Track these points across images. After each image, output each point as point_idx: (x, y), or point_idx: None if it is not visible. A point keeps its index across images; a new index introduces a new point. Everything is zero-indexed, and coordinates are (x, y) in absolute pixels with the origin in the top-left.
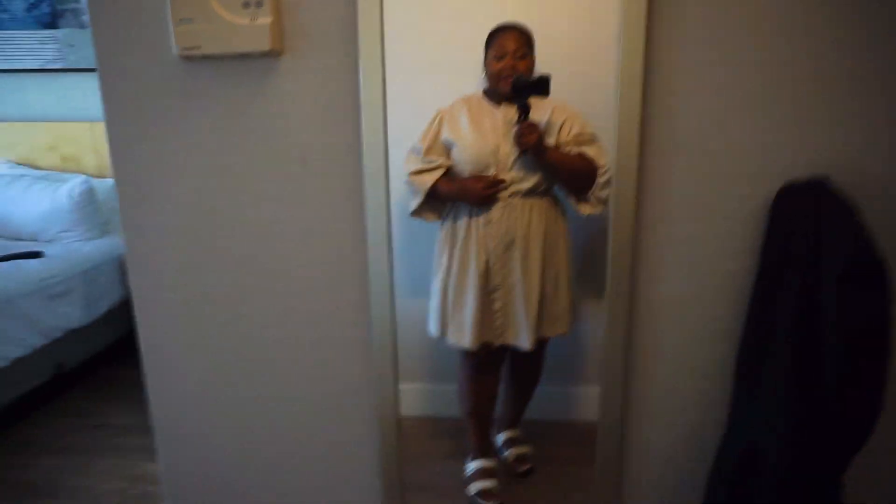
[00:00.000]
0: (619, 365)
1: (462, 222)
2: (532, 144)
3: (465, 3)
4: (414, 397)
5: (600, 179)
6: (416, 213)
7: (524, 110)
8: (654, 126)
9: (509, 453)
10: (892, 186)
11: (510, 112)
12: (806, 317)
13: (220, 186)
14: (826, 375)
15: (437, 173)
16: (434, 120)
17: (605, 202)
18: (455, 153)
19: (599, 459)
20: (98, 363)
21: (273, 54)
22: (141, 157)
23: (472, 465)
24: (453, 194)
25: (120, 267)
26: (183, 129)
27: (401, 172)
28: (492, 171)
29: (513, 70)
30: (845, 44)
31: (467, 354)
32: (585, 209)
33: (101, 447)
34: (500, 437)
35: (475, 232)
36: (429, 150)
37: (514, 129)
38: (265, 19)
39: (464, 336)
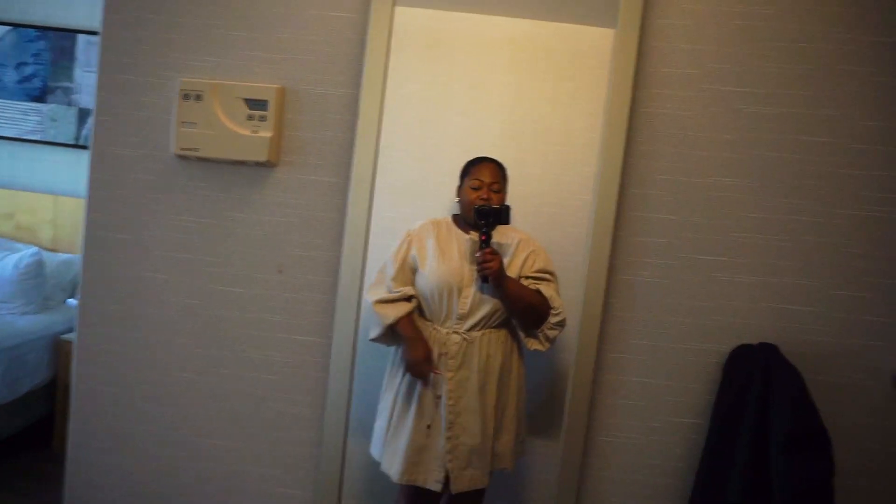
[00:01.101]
0: None
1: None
2: (493, 271)
3: (447, 134)
4: None
5: (552, 319)
6: (375, 339)
7: (486, 236)
8: (620, 280)
9: None
10: (835, 356)
11: (476, 235)
12: (755, 473)
13: (192, 283)
14: None
15: (401, 310)
16: (403, 241)
17: (551, 341)
18: (419, 275)
19: None
20: (5, 449)
21: (268, 165)
22: (116, 242)
23: None
24: (403, 341)
25: (51, 346)
26: (165, 223)
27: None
28: (454, 294)
29: (487, 201)
30: (801, 221)
31: (403, 488)
32: (533, 344)
33: None
34: None
35: (433, 362)
36: (397, 274)
37: (477, 254)
38: (266, 133)
39: (395, 468)
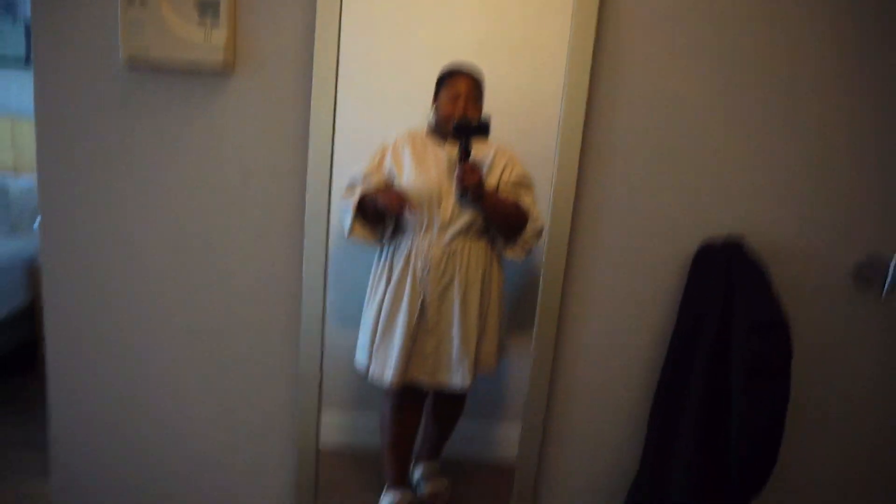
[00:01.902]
0: (541, 403)
1: (400, 259)
2: (472, 186)
3: (420, 39)
4: (334, 426)
5: (530, 229)
6: (352, 232)
7: (465, 152)
8: (589, 182)
9: (425, 487)
10: (799, 248)
11: (454, 151)
12: (717, 368)
13: (156, 199)
14: (733, 424)
15: (365, 185)
16: (377, 153)
17: (529, 251)
18: (396, 186)
19: (516, 491)
20: None
21: (224, 71)
22: (71, 161)
23: (387, 499)
24: (373, 199)
25: (25, 271)
26: (122, 139)
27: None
28: (432, 207)
29: (464, 113)
30: (766, 118)
31: (390, 389)
32: (510, 254)
33: None
34: (418, 471)
35: (412, 271)
36: (368, 179)
37: (456, 170)
38: (220, 36)
39: (387, 373)
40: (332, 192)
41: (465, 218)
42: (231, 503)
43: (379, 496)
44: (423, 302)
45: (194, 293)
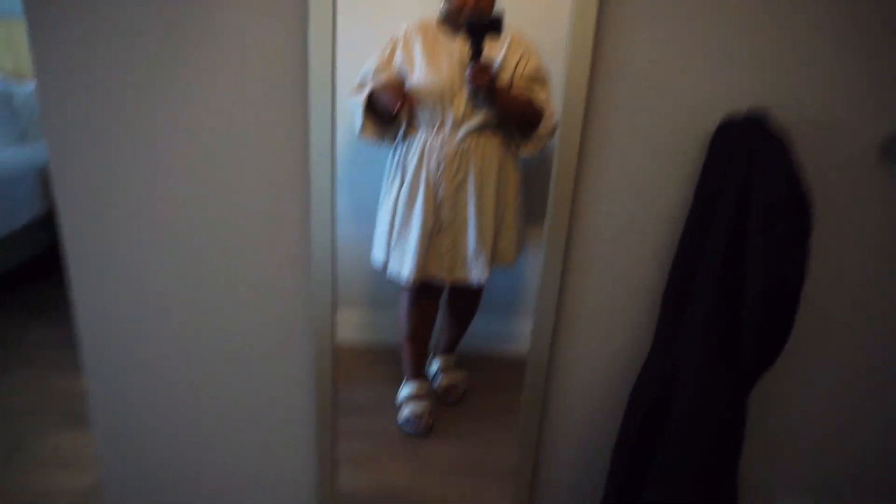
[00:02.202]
0: (553, 290)
1: (414, 157)
2: (483, 86)
3: None
4: (354, 324)
5: (544, 125)
6: (363, 131)
7: (477, 50)
8: (604, 58)
9: (442, 379)
10: (825, 122)
11: (466, 46)
12: (734, 246)
13: (154, 89)
14: (747, 299)
15: (375, 81)
16: (387, 47)
17: (543, 147)
18: (407, 83)
19: (529, 378)
20: (16, 279)
21: None
22: (65, 56)
23: (406, 390)
24: (379, 97)
25: (40, 179)
26: (114, 35)
27: (347, 92)
28: (445, 104)
29: (476, 7)
30: None
31: (408, 286)
32: (524, 150)
33: (17, 361)
34: (435, 364)
35: (426, 169)
36: (378, 73)
37: (467, 69)
38: None
39: (405, 270)
40: (336, 86)
41: (478, 115)
42: (252, 397)
43: (397, 388)
44: (437, 199)
45: (202, 185)
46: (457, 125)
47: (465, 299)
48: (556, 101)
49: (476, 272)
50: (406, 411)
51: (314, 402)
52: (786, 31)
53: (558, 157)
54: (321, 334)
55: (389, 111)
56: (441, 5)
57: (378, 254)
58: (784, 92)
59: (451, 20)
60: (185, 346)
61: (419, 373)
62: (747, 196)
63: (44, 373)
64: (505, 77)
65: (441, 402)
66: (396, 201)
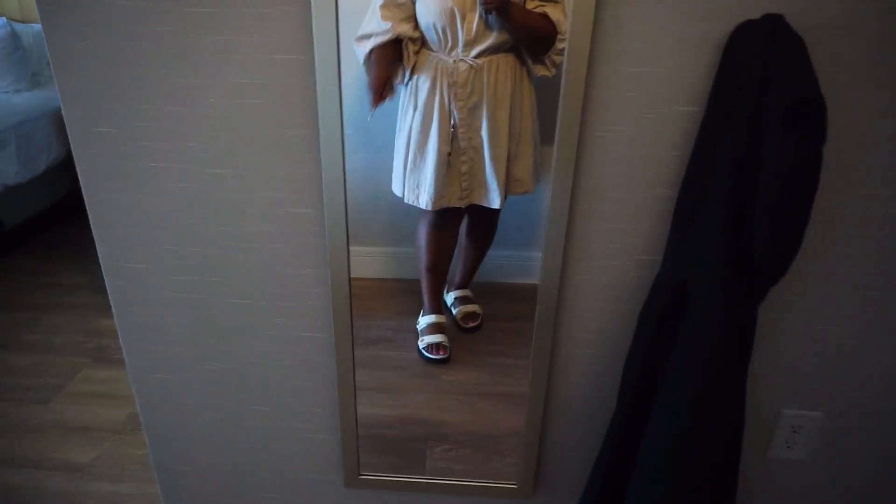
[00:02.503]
0: (563, 209)
1: (426, 80)
2: (496, 4)
3: None
4: (373, 260)
5: (559, 44)
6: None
7: None
8: None
9: (459, 310)
10: (844, 24)
11: None
12: (747, 155)
13: (163, 32)
14: (757, 208)
15: (375, 41)
16: None
17: (558, 66)
18: (418, 4)
19: (540, 302)
20: (41, 223)
21: None
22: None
23: (424, 321)
24: (369, 67)
25: (56, 123)
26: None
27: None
28: (456, 20)
29: None
30: None
31: (427, 213)
32: (540, 70)
33: (51, 304)
34: (451, 296)
35: (439, 93)
36: (387, 1)
37: None
38: None
39: (424, 197)
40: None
41: (491, 34)
42: (272, 331)
43: (415, 320)
44: (452, 123)
45: (211, 125)
46: (469, 45)
47: (483, 226)
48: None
49: (494, 196)
50: (426, 340)
51: (331, 331)
52: None
53: (566, 73)
54: (337, 265)
55: (370, 85)
56: None
57: (396, 183)
58: None
59: None
60: (205, 283)
61: (438, 303)
62: (761, 102)
63: (78, 314)
64: None
65: (459, 330)
66: (411, 128)
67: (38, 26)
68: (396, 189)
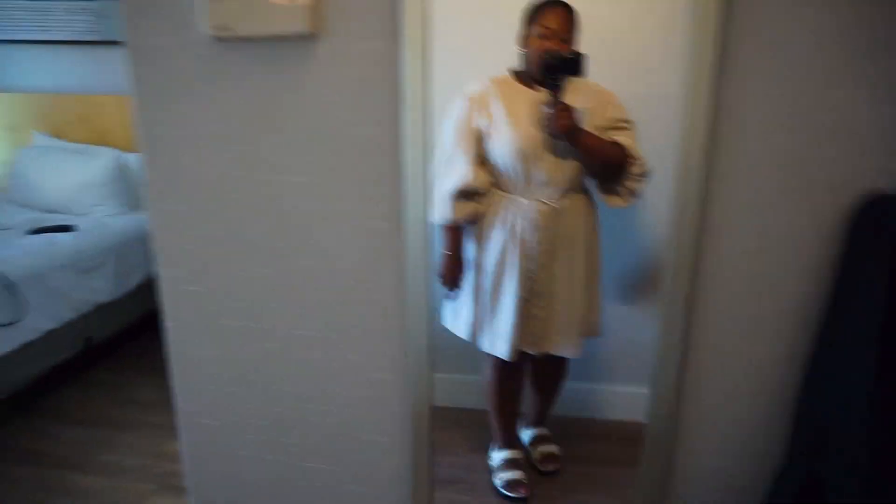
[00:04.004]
0: (670, 375)
1: (501, 225)
2: (566, 129)
3: None
4: (439, 387)
5: (635, 170)
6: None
7: (555, 90)
8: (724, 128)
9: (536, 451)
10: None
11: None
12: (887, 345)
13: (251, 171)
14: None
15: (461, 211)
16: (464, 108)
17: (635, 195)
18: (491, 144)
19: (645, 465)
20: (125, 337)
21: (310, 37)
22: (168, 137)
23: (499, 456)
24: (446, 245)
25: (150, 244)
26: (212, 111)
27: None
28: (530, 162)
29: (555, 45)
30: None
31: (495, 357)
32: (614, 202)
33: (128, 421)
34: (527, 434)
35: (519, 235)
36: (466, 147)
37: (546, 112)
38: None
39: (503, 346)
40: (427, 148)
41: (566, 173)
42: (347, 463)
43: (485, 454)
44: (530, 268)
45: (292, 268)
46: (546, 185)
47: (553, 369)
48: (666, 182)
49: (571, 342)
50: (503, 477)
51: (411, 475)
52: None
53: (675, 242)
54: (418, 407)
55: (444, 276)
56: (518, 59)
57: (464, 328)
58: None
59: (530, 71)
60: (278, 411)
61: (512, 440)
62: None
63: (149, 434)
64: (589, 121)
65: (536, 472)
66: (482, 270)
67: None
68: (464, 333)
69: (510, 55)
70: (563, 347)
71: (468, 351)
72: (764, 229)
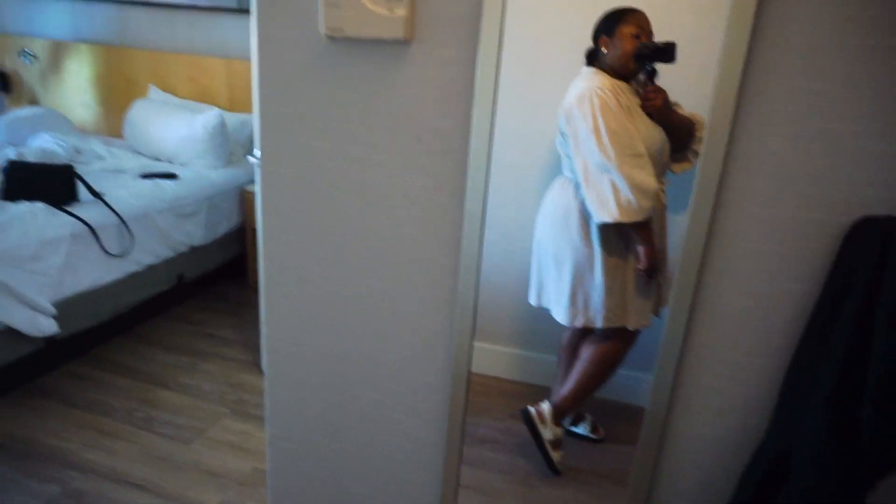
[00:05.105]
0: (672, 363)
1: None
2: (660, 106)
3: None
4: (498, 359)
5: (698, 134)
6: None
7: (651, 75)
8: (741, 142)
9: (587, 423)
10: None
11: (637, 90)
12: (857, 348)
13: (347, 150)
14: (865, 404)
15: (654, 179)
16: (613, 104)
17: (699, 155)
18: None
19: (642, 441)
20: (211, 279)
21: (404, 42)
22: (283, 116)
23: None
24: (647, 242)
25: (239, 196)
26: (322, 98)
27: (502, 154)
28: (663, 150)
29: (646, 37)
30: None
31: (630, 334)
32: (684, 167)
33: (208, 353)
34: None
35: (656, 218)
36: (634, 133)
37: (643, 93)
38: (401, 11)
39: (641, 318)
40: (493, 147)
41: (666, 155)
42: (394, 410)
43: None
44: (661, 246)
45: (368, 233)
46: (664, 170)
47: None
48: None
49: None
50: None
51: (446, 428)
52: None
53: (687, 236)
54: (458, 364)
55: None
56: (595, 59)
57: (604, 316)
58: None
59: (623, 68)
60: (345, 347)
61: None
62: (875, 296)
63: (227, 366)
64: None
65: (582, 441)
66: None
67: (240, 115)
68: (600, 320)
69: (573, 56)
70: (649, 320)
71: (525, 328)
72: (765, 236)
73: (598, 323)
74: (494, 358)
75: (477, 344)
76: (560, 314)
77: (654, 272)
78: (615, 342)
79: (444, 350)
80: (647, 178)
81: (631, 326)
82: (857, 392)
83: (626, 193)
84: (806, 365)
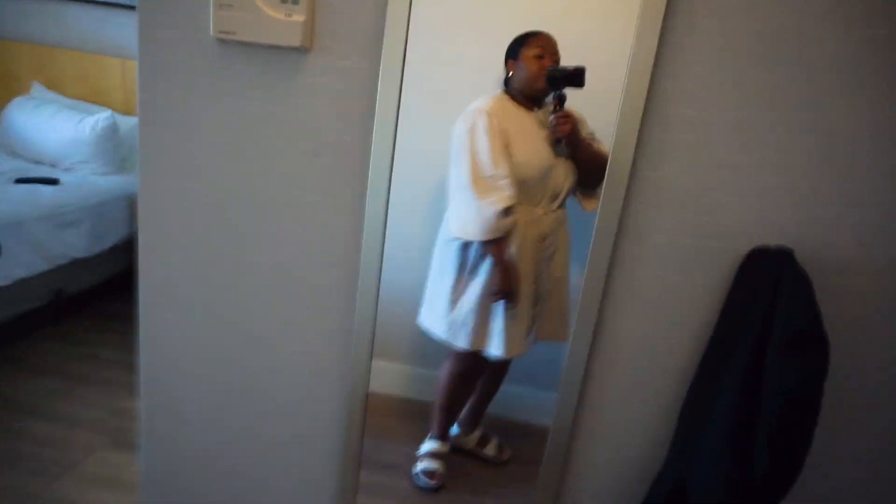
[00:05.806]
0: (575, 387)
1: (513, 236)
2: (568, 133)
3: (484, 13)
4: (389, 376)
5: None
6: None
7: (560, 100)
8: (642, 171)
9: (490, 446)
10: (850, 263)
11: (544, 115)
12: (751, 377)
13: (235, 162)
14: (759, 432)
15: (503, 201)
16: (487, 121)
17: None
18: (518, 164)
19: (545, 465)
20: (96, 295)
21: (302, 50)
22: (164, 118)
23: (426, 446)
24: (498, 259)
25: (129, 205)
26: (210, 105)
27: (405, 175)
28: (547, 175)
29: (553, 63)
30: (830, 126)
31: (465, 355)
32: (591, 204)
33: (88, 377)
34: (475, 435)
35: (527, 243)
36: (497, 159)
37: (550, 118)
38: (299, 17)
39: (494, 345)
40: (394, 163)
41: (569, 183)
42: (284, 436)
43: (418, 444)
44: (537, 272)
45: (259, 250)
46: (555, 197)
47: (503, 370)
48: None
49: (527, 344)
50: (421, 466)
51: (342, 450)
52: (830, 172)
53: (590, 262)
54: (355, 390)
55: (506, 287)
56: (507, 83)
57: (462, 337)
58: (818, 226)
59: (527, 90)
60: (230, 387)
61: (444, 433)
62: (769, 325)
63: (108, 391)
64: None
65: (491, 464)
66: (462, 273)
67: (136, 119)
68: (463, 343)
69: (480, 78)
70: (527, 346)
71: (424, 346)
72: (665, 263)
73: (462, 343)
74: (392, 376)
75: (377, 363)
76: (438, 330)
77: (508, 296)
78: (455, 360)
79: (339, 379)
80: (498, 200)
81: (494, 352)
82: (752, 420)
83: (475, 212)
84: (703, 394)
